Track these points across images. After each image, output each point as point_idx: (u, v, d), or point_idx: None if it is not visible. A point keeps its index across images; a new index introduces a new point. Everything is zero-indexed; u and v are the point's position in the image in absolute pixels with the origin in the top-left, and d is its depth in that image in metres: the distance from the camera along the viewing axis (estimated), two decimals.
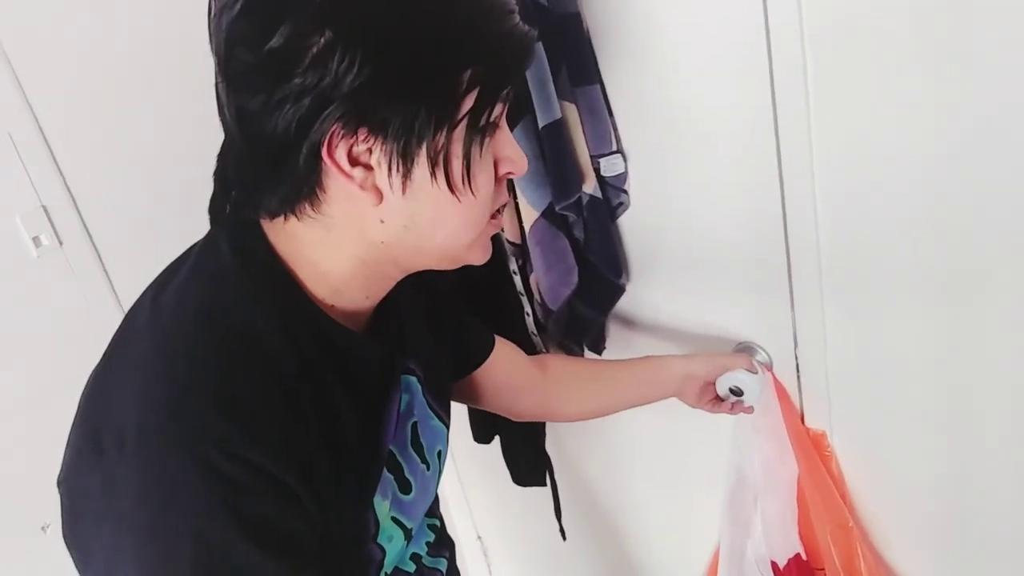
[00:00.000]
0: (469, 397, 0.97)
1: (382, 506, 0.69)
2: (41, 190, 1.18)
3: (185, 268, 0.64)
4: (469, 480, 1.85)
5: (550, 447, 1.37)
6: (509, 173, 0.65)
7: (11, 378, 1.18)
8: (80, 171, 1.22)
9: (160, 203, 1.27)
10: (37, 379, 1.18)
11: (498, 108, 0.60)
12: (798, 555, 1.09)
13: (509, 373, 0.97)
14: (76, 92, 1.21)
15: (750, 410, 1.04)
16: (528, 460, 1.37)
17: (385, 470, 0.70)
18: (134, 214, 1.27)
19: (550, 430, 1.37)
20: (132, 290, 0.67)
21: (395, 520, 0.72)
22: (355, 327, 0.67)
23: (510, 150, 0.64)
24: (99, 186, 1.24)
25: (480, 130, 0.59)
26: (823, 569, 1.06)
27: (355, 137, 0.55)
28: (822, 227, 0.91)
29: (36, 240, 1.18)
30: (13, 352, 1.18)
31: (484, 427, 1.38)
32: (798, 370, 1.03)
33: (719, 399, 1.05)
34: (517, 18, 0.58)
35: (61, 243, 1.21)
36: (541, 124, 0.99)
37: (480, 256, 0.67)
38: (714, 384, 1.03)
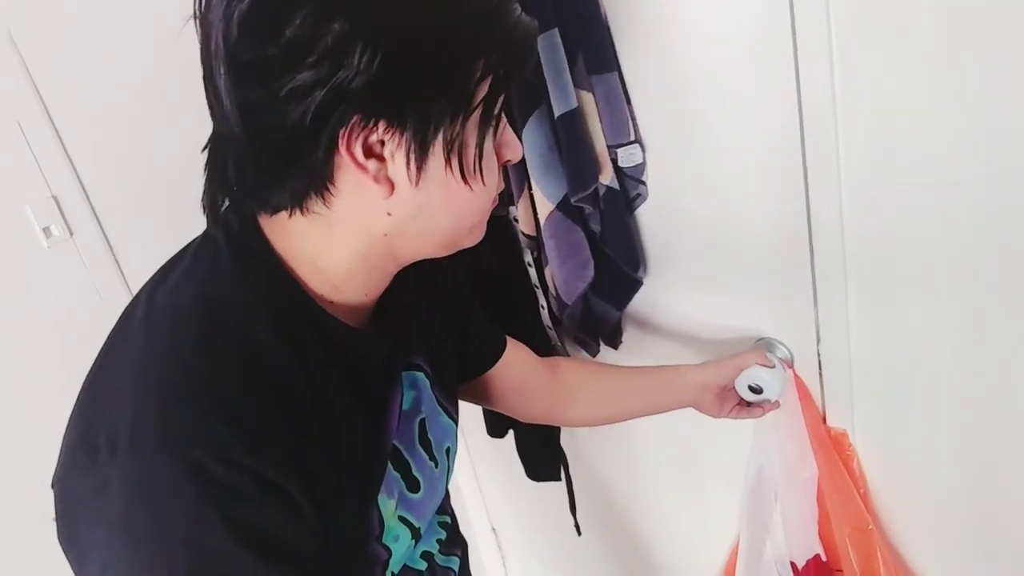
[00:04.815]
0: (478, 397, 0.96)
1: (388, 505, 0.68)
2: (51, 180, 1.17)
3: (181, 266, 0.63)
4: (484, 472, 1.85)
5: (565, 441, 1.36)
6: (508, 160, 0.66)
7: (23, 370, 1.18)
8: (90, 160, 1.21)
9: (171, 192, 1.25)
10: (49, 371, 1.17)
11: (502, 98, 0.60)
12: (817, 556, 1.07)
13: (519, 376, 0.96)
14: (86, 80, 1.20)
15: (776, 406, 1.01)
16: (543, 455, 1.36)
17: (391, 468, 0.69)
18: (145, 203, 1.26)
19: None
20: (143, 280, 0.66)
21: (402, 519, 0.71)
22: (356, 323, 0.67)
23: (508, 136, 0.65)
24: (109, 176, 1.23)
25: (494, 118, 0.60)
26: (842, 570, 1.04)
27: (374, 128, 0.55)
28: (847, 219, 0.88)
29: (47, 231, 1.17)
30: (25, 343, 1.18)
31: (498, 422, 1.37)
32: (820, 367, 1.01)
33: (742, 405, 1.02)
34: (520, 9, 0.59)
35: (72, 233, 1.20)
36: (557, 113, 0.97)
37: (477, 237, 0.67)
38: (733, 390, 1.01)
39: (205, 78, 0.57)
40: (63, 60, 1.17)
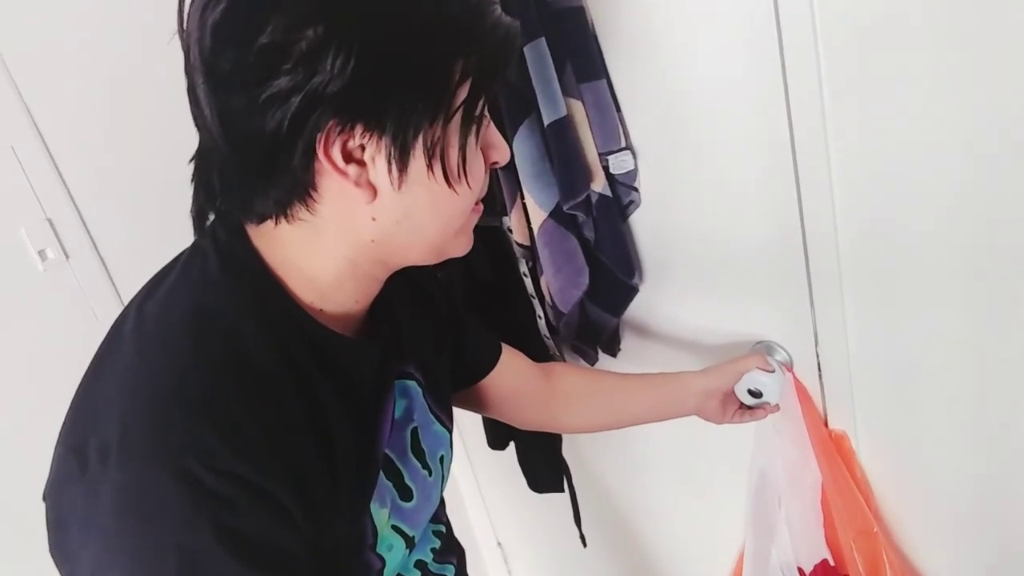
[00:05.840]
0: (473, 405, 0.95)
1: (380, 514, 0.68)
2: (46, 203, 1.18)
3: (171, 277, 0.63)
4: (488, 484, 1.84)
5: (567, 451, 1.35)
6: (495, 163, 0.65)
7: (21, 394, 1.18)
8: (85, 183, 1.22)
9: (166, 213, 1.25)
10: (46, 394, 1.17)
11: (483, 99, 0.60)
12: (825, 561, 1.06)
13: (515, 383, 0.96)
14: (79, 103, 1.21)
15: (776, 409, 1.01)
16: (545, 466, 1.35)
17: (383, 477, 0.69)
18: (140, 225, 1.26)
19: (567, 434, 1.34)
20: None
21: (395, 528, 0.70)
22: (346, 332, 0.66)
23: (494, 138, 0.65)
24: (104, 198, 1.24)
25: (475, 120, 0.59)
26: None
27: (351, 133, 0.55)
28: (840, 219, 0.88)
29: (42, 253, 1.18)
30: (22, 367, 1.18)
31: (498, 433, 1.36)
32: (819, 369, 1.00)
33: (743, 409, 1.02)
34: (499, 9, 0.59)
35: (67, 256, 1.21)
36: (546, 122, 0.96)
37: (464, 246, 0.67)
38: (734, 394, 1.00)
39: (188, 90, 0.57)
40: (56, 83, 1.18)
